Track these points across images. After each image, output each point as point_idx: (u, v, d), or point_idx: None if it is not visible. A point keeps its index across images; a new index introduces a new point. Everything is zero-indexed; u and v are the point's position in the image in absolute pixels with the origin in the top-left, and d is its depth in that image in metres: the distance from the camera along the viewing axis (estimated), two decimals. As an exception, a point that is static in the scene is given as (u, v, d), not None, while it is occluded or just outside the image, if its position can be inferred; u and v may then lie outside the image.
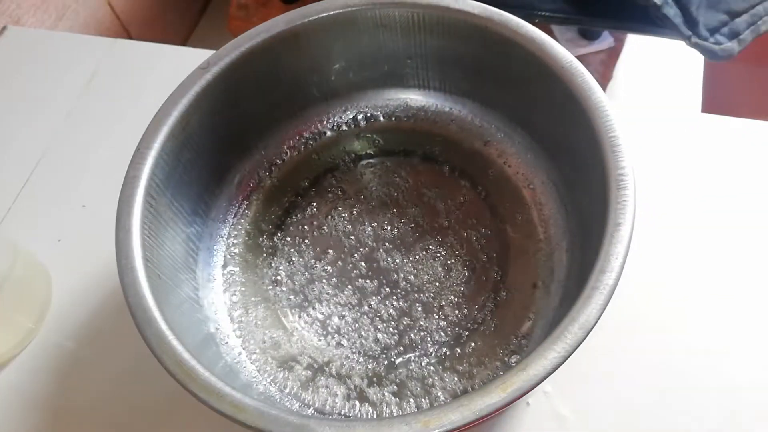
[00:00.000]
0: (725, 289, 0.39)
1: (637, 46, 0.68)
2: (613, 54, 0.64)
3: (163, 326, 0.29)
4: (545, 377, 0.26)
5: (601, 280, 0.27)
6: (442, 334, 0.37)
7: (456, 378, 0.35)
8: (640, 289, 0.38)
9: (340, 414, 0.35)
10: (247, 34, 0.38)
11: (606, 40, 0.64)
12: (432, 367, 0.35)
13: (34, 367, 0.41)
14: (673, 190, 0.43)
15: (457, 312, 0.37)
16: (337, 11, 0.38)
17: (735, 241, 0.41)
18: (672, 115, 0.46)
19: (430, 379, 0.35)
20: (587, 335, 0.26)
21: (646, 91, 0.67)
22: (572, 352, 0.26)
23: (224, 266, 0.40)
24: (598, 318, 0.27)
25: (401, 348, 0.36)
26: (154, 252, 0.33)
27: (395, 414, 0.34)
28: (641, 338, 0.38)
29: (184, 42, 0.87)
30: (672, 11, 0.45)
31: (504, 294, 0.37)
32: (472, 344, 0.36)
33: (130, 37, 0.76)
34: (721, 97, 0.63)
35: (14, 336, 0.41)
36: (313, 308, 0.38)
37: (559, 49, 0.34)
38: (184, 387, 0.28)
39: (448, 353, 0.36)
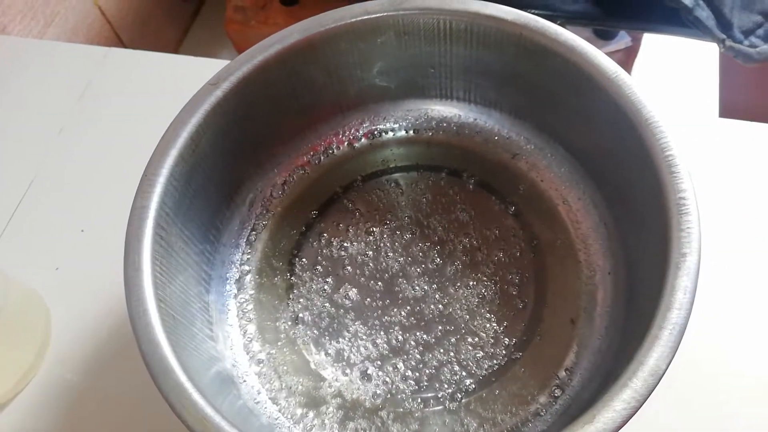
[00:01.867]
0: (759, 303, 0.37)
1: (654, 45, 0.65)
2: (631, 54, 0.62)
3: (183, 378, 0.26)
4: (615, 432, 0.23)
5: (668, 318, 0.25)
6: (475, 369, 0.34)
7: (491, 420, 0.32)
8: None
9: (371, 458, 0.32)
10: (260, 46, 0.35)
11: (623, 40, 0.62)
12: (465, 407, 0.33)
13: (37, 404, 0.38)
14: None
15: (492, 344, 0.34)
16: (356, 19, 0.35)
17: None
18: (688, 120, 0.44)
19: (465, 420, 0.32)
20: (658, 382, 0.24)
21: (664, 92, 0.65)
22: (643, 402, 0.24)
23: (238, 295, 0.37)
24: (669, 362, 0.24)
25: (433, 384, 0.34)
26: (166, 289, 0.30)
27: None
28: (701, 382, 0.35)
29: (177, 45, 0.83)
30: (704, 13, 0.42)
31: (542, 324, 0.35)
32: (509, 380, 0.33)
33: (121, 42, 0.72)
34: (738, 96, 0.61)
35: (14, 374, 0.38)
36: (336, 341, 0.35)
37: (603, 59, 0.32)
38: (209, 448, 0.25)
39: (482, 391, 0.33)
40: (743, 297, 0.37)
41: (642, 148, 0.30)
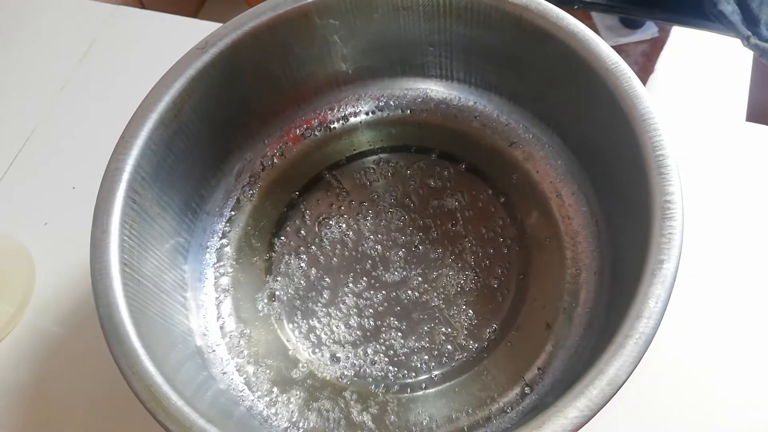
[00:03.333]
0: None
1: (683, 38, 0.62)
2: (657, 45, 0.59)
3: (137, 344, 0.26)
4: (564, 440, 0.22)
5: (636, 327, 0.24)
6: (446, 359, 0.33)
7: (448, 417, 0.32)
8: (670, 330, 0.34)
9: (331, 439, 0.32)
10: (251, 12, 0.34)
11: (649, 30, 0.59)
12: (434, 398, 0.32)
13: (18, 354, 0.38)
14: (709, 207, 0.38)
15: (465, 336, 0.34)
16: (352, -10, 0.34)
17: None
18: (713, 122, 0.41)
19: (420, 410, 0.32)
20: (616, 392, 0.23)
21: (689, 88, 0.62)
22: (597, 412, 0.22)
23: (216, 264, 0.37)
24: (630, 373, 0.23)
25: (401, 371, 0.33)
26: (134, 253, 0.30)
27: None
28: (673, 393, 0.33)
29: (198, 8, 0.82)
30: (729, 8, 0.40)
31: (519, 319, 0.34)
32: (478, 374, 0.32)
33: (140, 1, 0.72)
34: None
35: (-7, 325, 0.39)
36: (310, 321, 0.35)
37: (604, 48, 0.30)
38: (152, 415, 0.25)
39: (448, 383, 0.32)
40: (748, 310, 0.35)
41: (634, 144, 0.28)
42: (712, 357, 0.34)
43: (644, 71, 0.58)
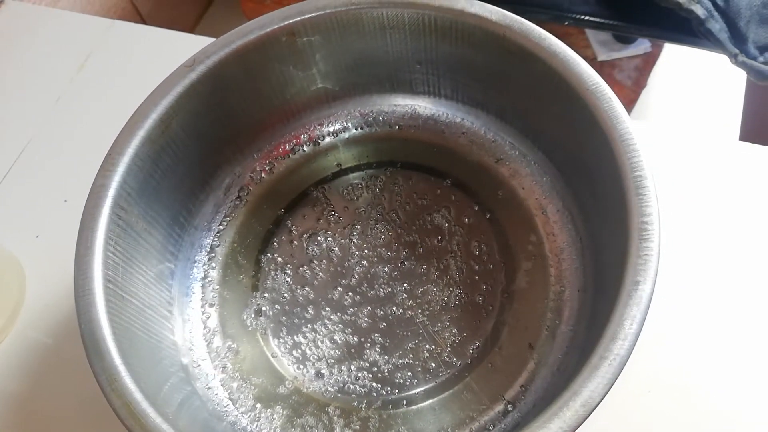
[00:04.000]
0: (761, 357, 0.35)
1: (676, 53, 0.62)
2: (650, 60, 0.59)
3: (117, 360, 0.26)
4: (537, 461, 0.22)
5: (611, 348, 0.24)
6: (429, 376, 0.33)
7: (442, 431, 0.32)
8: (655, 352, 0.34)
9: (314, 456, 0.32)
10: (239, 30, 0.34)
11: (642, 45, 0.59)
12: (415, 415, 0.32)
13: (8, 364, 0.39)
14: (699, 226, 0.38)
15: (449, 354, 0.34)
16: (338, 9, 0.34)
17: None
18: (704, 141, 0.41)
19: (415, 428, 0.32)
20: (590, 413, 0.23)
21: (682, 103, 0.62)
22: (571, 433, 0.23)
23: (204, 279, 0.37)
24: (605, 394, 0.23)
25: (384, 387, 0.33)
26: (119, 269, 0.30)
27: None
28: (652, 413, 0.33)
29: (196, 22, 0.83)
30: (717, 26, 0.40)
31: (503, 335, 0.34)
32: (461, 392, 0.33)
33: (139, 14, 0.73)
34: (763, 118, 0.58)
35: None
36: (295, 337, 0.35)
37: (585, 68, 0.30)
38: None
39: (429, 400, 0.32)
40: (740, 330, 0.35)
41: (614, 164, 0.28)
42: (693, 376, 0.34)
43: (637, 85, 0.58)
